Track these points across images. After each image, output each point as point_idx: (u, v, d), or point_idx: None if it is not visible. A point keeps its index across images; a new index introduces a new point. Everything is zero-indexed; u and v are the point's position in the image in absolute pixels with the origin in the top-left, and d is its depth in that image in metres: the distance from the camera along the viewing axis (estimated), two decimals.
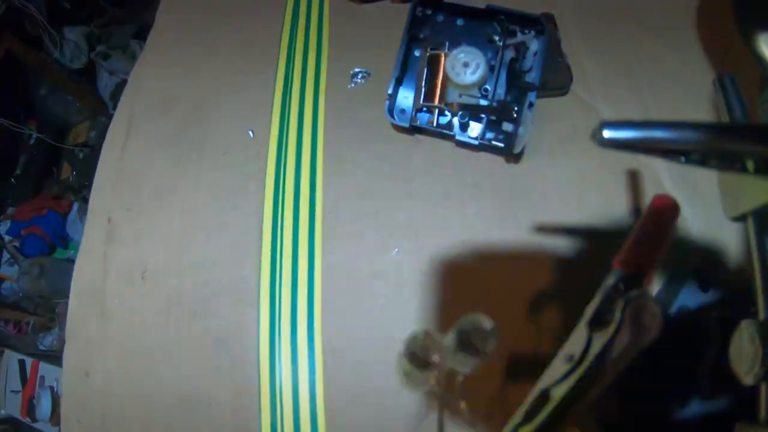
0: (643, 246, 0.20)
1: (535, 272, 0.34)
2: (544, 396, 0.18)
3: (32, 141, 1.59)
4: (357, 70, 0.44)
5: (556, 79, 0.39)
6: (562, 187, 0.37)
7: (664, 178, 0.36)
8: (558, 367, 0.18)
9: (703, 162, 0.18)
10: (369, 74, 0.44)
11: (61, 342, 1.28)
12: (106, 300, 0.40)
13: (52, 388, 1.11)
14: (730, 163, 0.20)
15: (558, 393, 0.17)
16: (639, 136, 0.16)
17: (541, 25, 0.36)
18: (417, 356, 0.19)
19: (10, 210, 1.46)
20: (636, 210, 0.36)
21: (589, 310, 0.19)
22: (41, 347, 1.25)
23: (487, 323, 0.19)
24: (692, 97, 0.39)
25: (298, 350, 0.35)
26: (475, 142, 0.36)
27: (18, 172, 1.57)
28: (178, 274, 0.39)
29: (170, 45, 0.53)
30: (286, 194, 0.40)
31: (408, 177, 0.38)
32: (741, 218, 0.27)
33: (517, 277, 0.34)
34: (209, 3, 0.55)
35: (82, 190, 1.61)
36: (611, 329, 0.17)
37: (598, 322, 0.18)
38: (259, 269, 0.37)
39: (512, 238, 0.35)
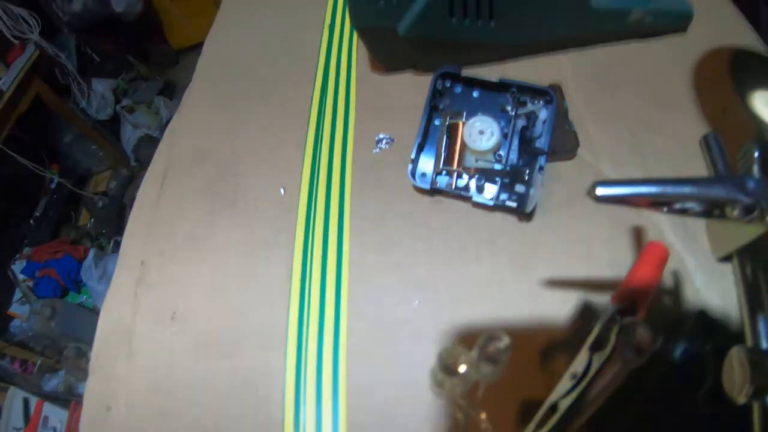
0: (635, 284, 0.25)
1: (547, 323, 0.38)
2: (553, 408, 0.22)
3: (53, 185, 1.69)
4: (382, 136, 0.51)
5: (564, 145, 0.45)
6: (571, 242, 0.41)
7: (666, 232, 0.41)
8: (564, 384, 0.22)
9: (683, 211, 0.23)
10: (393, 140, 0.50)
11: (67, 385, 1.30)
12: (133, 337, 0.44)
13: (54, 429, 1.12)
14: (707, 210, 0.24)
15: (563, 405, 0.21)
16: (626, 193, 0.21)
17: (549, 95, 0.42)
18: (448, 366, 0.24)
19: (26, 250, 1.53)
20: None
21: (591, 337, 0.23)
22: (46, 389, 1.27)
23: (505, 337, 0.23)
24: (690, 155, 0.44)
25: (322, 392, 0.38)
26: (491, 203, 0.41)
27: (37, 213, 1.66)
28: (207, 317, 0.43)
29: (206, 104, 0.60)
30: (314, 248, 0.45)
31: (428, 234, 0.43)
32: (727, 258, 0.31)
33: (529, 327, 0.38)
34: (244, 69, 0.63)
35: (98, 237, 1.69)
36: (608, 350, 0.21)
37: (597, 347, 0.22)
38: (288, 316, 0.41)
39: (526, 290, 0.39)
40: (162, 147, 0.58)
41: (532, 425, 0.24)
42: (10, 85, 1.36)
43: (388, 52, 0.55)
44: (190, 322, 0.44)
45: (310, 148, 0.51)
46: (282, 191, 0.49)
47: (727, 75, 0.52)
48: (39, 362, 1.33)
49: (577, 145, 0.45)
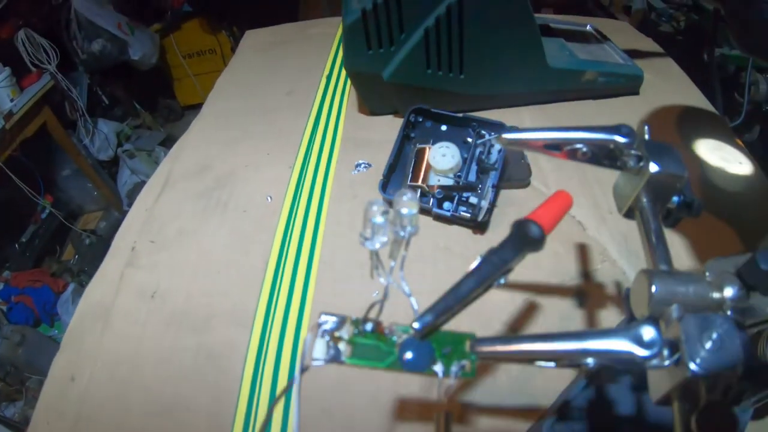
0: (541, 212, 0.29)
1: (492, 317, 0.43)
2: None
3: (44, 215, 1.73)
4: (361, 161, 0.58)
5: (519, 174, 0.52)
6: None
7: (610, 250, 0.48)
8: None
9: (573, 153, 0.29)
10: (370, 165, 0.58)
11: (23, 416, 1.26)
12: (111, 314, 0.48)
13: None
14: (595, 154, 0.30)
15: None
16: (526, 137, 0.26)
17: (505, 128, 0.50)
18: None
19: (6, 273, 1.54)
20: (584, 272, 0.46)
21: None
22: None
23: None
24: None
25: (280, 368, 0.42)
26: (448, 213, 0.48)
27: (24, 239, 1.68)
28: (184, 297, 0.48)
29: (212, 127, 0.69)
30: (290, 245, 0.51)
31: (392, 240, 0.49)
32: (629, 214, 0.36)
33: (477, 319, 0.43)
34: (248, 102, 0.72)
35: (80, 274, 1.71)
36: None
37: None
38: (258, 298, 0.46)
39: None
40: (166, 160, 0.65)
41: None
42: (21, 108, 1.45)
43: (374, 96, 0.64)
44: (168, 301, 0.48)
45: (298, 167, 0.59)
46: (269, 199, 0.56)
47: (674, 127, 0.62)
48: None
49: (529, 174, 0.53)
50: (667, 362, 0.22)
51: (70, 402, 0.43)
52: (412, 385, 0.40)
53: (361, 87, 0.63)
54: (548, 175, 0.55)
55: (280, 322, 0.45)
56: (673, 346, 0.23)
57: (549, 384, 0.40)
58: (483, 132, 0.52)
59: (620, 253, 0.48)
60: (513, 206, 0.52)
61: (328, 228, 0.52)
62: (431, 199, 0.50)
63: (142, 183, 1.92)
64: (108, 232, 1.85)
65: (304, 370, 0.21)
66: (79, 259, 1.80)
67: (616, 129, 0.31)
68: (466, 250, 0.48)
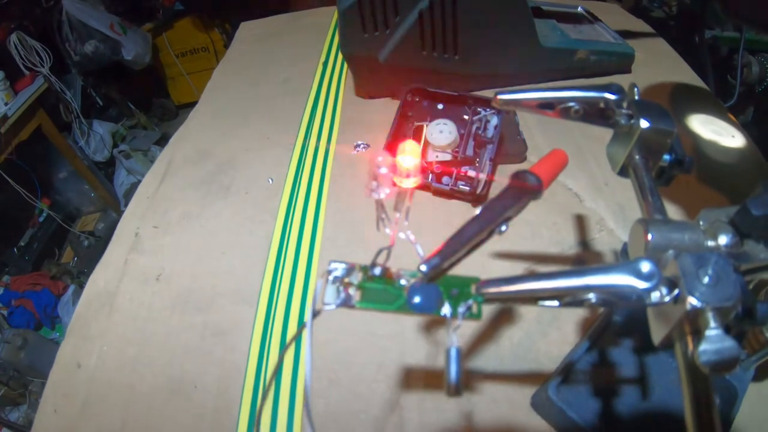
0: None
1: None
2: None
3: (42, 218, 1.73)
4: (360, 142, 0.59)
5: (515, 149, 0.53)
6: (518, 225, 0.48)
7: (607, 219, 0.49)
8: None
9: (566, 111, 0.30)
10: (368, 145, 0.59)
11: (27, 420, 1.27)
12: (116, 298, 0.48)
13: None
14: (587, 112, 0.31)
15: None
16: (519, 98, 0.27)
17: (499, 91, 0.51)
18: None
19: (5, 278, 1.54)
20: (582, 242, 0.47)
21: None
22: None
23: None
24: None
25: (286, 341, 0.43)
26: (447, 188, 0.49)
27: (22, 243, 1.68)
28: (190, 279, 0.48)
29: (210, 116, 0.69)
30: (293, 223, 0.51)
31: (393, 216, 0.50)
32: (623, 172, 0.37)
33: None
34: (246, 92, 0.73)
35: (80, 276, 1.71)
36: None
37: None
38: (263, 276, 0.47)
39: (477, 261, 0.45)
40: (166, 150, 0.66)
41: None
42: (15, 111, 1.45)
43: (371, 79, 0.65)
44: (173, 283, 0.49)
45: (298, 149, 0.60)
46: (270, 181, 0.56)
47: (666, 103, 0.63)
48: (2, 393, 1.31)
49: (525, 149, 0.53)
50: (667, 298, 0.23)
51: (77, 387, 0.43)
52: (418, 354, 0.41)
53: (358, 70, 0.64)
54: (544, 150, 0.55)
55: (284, 298, 0.45)
56: (672, 284, 0.24)
57: (552, 349, 0.41)
58: (479, 109, 0.52)
59: (617, 223, 0.49)
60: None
61: (329, 206, 0.52)
62: (430, 175, 0.51)
63: (139, 183, 1.90)
64: (106, 234, 1.85)
65: (315, 314, 0.22)
66: (78, 261, 1.80)
67: (606, 87, 0.32)
68: None
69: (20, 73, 1.58)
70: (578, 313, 0.43)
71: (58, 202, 1.82)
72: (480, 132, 0.50)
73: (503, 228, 0.26)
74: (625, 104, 0.33)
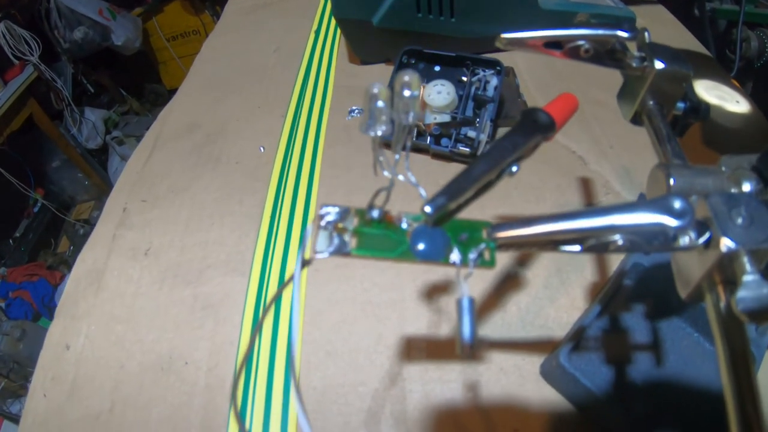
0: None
1: None
2: None
3: (36, 208, 1.69)
4: (354, 107, 0.56)
5: (515, 111, 0.50)
6: (522, 189, 0.45)
7: (612, 182, 0.46)
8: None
9: (576, 51, 0.26)
10: (363, 111, 0.55)
11: None
12: (104, 276, 0.45)
13: None
14: (597, 52, 0.28)
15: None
16: (525, 36, 0.24)
17: (500, 66, 0.48)
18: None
19: (2, 270, 1.50)
20: (588, 205, 0.44)
21: None
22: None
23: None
24: (633, 129, 0.49)
25: (281, 312, 0.40)
26: (446, 150, 0.46)
27: (17, 234, 1.65)
28: (180, 250, 0.45)
29: (199, 88, 0.65)
30: (286, 189, 0.48)
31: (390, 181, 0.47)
32: (636, 120, 0.34)
33: None
34: (236, 64, 0.69)
35: None
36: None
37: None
38: (255, 245, 0.44)
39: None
40: (155, 125, 0.62)
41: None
42: (5, 101, 1.41)
43: (364, 43, 0.61)
44: (161, 256, 0.45)
45: (290, 117, 0.56)
46: (262, 149, 0.53)
47: None
48: (2, 385, 1.28)
49: None
50: (701, 240, 0.20)
51: (65, 369, 0.40)
52: (419, 323, 0.38)
53: (351, 35, 0.60)
54: None
55: (278, 266, 0.42)
56: (702, 227, 0.21)
57: (561, 314, 0.38)
58: (478, 70, 0.49)
59: (623, 185, 0.46)
60: None
61: (324, 171, 0.49)
62: (428, 137, 0.47)
63: None
64: None
65: (305, 263, 0.18)
66: (74, 250, 1.76)
67: (618, 25, 0.29)
68: None
69: (9, 63, 1.53)
70: (587, 278, 0.40)
71: (52, 191, 1.78)
72: (479, 92, 0.47)
73: (514, 169, 0.23)
74: (636, 45, 0.30)
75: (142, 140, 0.60)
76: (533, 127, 0.23)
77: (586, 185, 0.46)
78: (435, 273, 0.41)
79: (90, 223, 1.81)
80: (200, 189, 0.50)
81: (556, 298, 0.39)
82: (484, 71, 0.48)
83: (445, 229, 0.20)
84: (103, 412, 0.38)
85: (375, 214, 0.19)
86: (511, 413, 0.33)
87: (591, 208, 0.20)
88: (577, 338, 0.34)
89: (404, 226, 0.20)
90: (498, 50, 0.61)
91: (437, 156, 0.48)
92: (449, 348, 0.37)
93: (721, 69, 0.64)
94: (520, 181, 0.46)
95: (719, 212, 0.21)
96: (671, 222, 0.19)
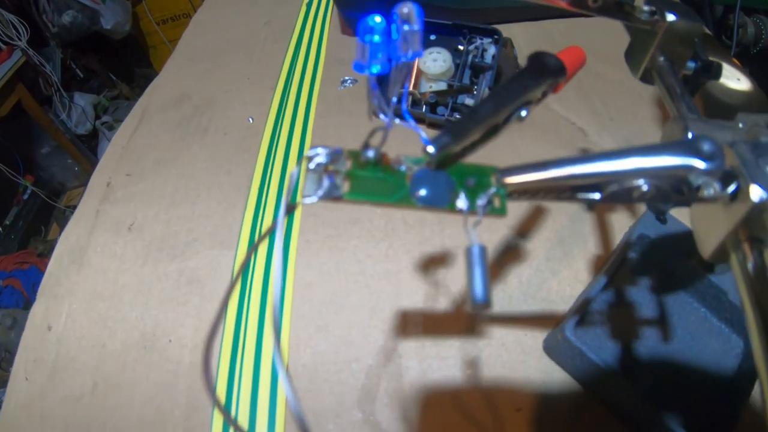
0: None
1: (496, 220, 0.38)
2: None
3: (26, 195, 1.64)
4: (347, 78, 0.53)
5: None
6: (522, 159, 0.42)
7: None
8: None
9: None
10: (356, 81, 0.52)
11: None
12: (86, 253, 0.42)
13: None
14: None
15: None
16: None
17: (497, 34, 0.45)
18: None
19: None
20: None
21: None
22: None
23: None
24: (634, 101, 0.47)
25: (269, 286, 0.37)
26: (443, 118, 0.43)
27: (7, 222, 1.60)
28: (165, 224, 0.42)
29: (187, 62, 0.62)
30: (276, 159, 0.45)
31: (385, 149, 0.44)
32: (646, 77, 0.32)
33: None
34: (225, 38, 0.65)
35: None
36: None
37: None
38: (242, 217, 0.41)
39: None
40: (142, 99, 0.59)
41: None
42: None
43: (357, 14, 0.58)
44: (146, 230, 0.42)
45: (281, 88, 0.54)
46: (251, 120, 0.50)
47: None
48: None
49: None
50: (729, 190, 0.18)
51: (47, 350, 0.38)
52: (416, 296, 0.36)
53: (344, 5, 0.57)
54: None
55: (266, 240, 0.40)
56: (727, 178, 0.18)
57: (564, 287, 0.36)
58: (475, 37, 0.46)
59: None
60: None
61: (315, 142, 0.46)
62: (424, 106, 0.45)
63: None
64: None
65: (290, 208, 0.16)
66: None
67: None
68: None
69: None
70: (590, 250, 0.37)
71: (41, 178, 1.73)
72: (477, 60, 0.44)
73: (523, 113, 0.20)
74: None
75: (128, 115, 0.56)
76: (543, 70, 0.21)
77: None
78: (431, 244, 0.38)
79: None
80: (187, 161, 0.47)
81: (559, 270, 0.36)
82: (481, 39, 0.46)
83: (450, 173, 0.17)
84: (85, 393, 0.35)
85: (370, 153, 0.17)
86: (512, 391, 0.31)
87: (614, 150, 0.17)
88: (583, 311, 0.32)
89: (403, 169, 0.17)
90: (495, 23, 0.59)
91: (433, 125, 0.45)
92: (448, 322, 0.34)
93: (721, 47, 0.62)
94: (520, 153, 0.43)
95: (747, 160, 0.19)
96: (700, 165, 0.17)
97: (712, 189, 0.19)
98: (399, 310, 0.35)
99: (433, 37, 0.49)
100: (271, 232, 0.15)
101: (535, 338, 0.33)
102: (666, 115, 0.47)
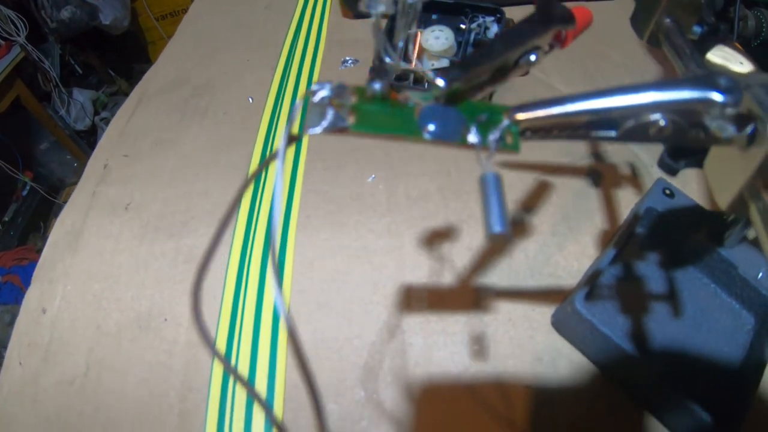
0: None
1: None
2: None
3: (25, 191, 1.63)
4: (348, 58, 0.52)
5: None
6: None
7: None
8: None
9: None
10: (357, 61, 0.51)
11: None
12: (83, 234, 0.41)
13: None
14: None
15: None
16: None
17: (500, 13, 0.44)
18: None
19: None
20: (594, 153, 0.40)
21: None
22: None
23: None
24: (635, 79, 0.46)
25: (267, 265, 0.36)
26: None
27: (6, 218, 1.59)
28: (162, 203, 0.41)
29: (187, 46, 0.61)
30: (276, 136, 0.44)
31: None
32: (653, 40, 0.32)
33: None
34: (225, 23, 0.64)
35: None
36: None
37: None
38: (242, 195, 0.40)
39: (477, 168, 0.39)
40: (141, 83, 0.58)
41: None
42: None
43: None
44: (143, 210, 0.41)
45: (281, 69, 0.53)
46: (250, 100, 0.49)
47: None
48: None
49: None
50: (749, 128, 0.17)
51: (41, 333, 0.36)
52: (419, 271, 0.35)
53: None
54: (546, 66, 0.49)
55: (265, 216, 0.39)
56: (743, 121, 0.18)
57: (570, 262, 0.35)
58: (477, 16, 0.45)
59: None
60: (511, 92, 0.46)
61: None
62: (426, 84, 0.44)
63: None
64: None
65: (292, 140, 0.15)
66: None
67: None
68: None
69: None
70: (596, 225, 0.36)
71: (40, 174, 1.71)
72: (480, 37, 0.43)
73: (532, 57, 0.19)
74: None
75: (128, 97, 0.55)
76: (551, 16, 0.20)
77: None
78: (435, 219, 0.37)
79: None
80: (186, 141, 0.46)
81: (565, 245, 0.35)
82: (483, 18, 0.45)
83: (460, 108, 0.16)
84: (78, 376, 0.34)
85: (377, 86, 0.16)
86: (521, 367, 0.30)
87: (630, 84, 0.16)
88: (592, 284, 0.31)
89: (411, 104, 0.16)
90: (496, 2, 0.58)
91: None
92: (453, 298, 0.33)
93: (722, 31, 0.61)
94: (522, 123, 0.42)
95: (764, 101, 0.18)
96: (718, 97, 0.16)
97: (728, 132, 0.18)
98: (402, 285, 0.34)
99: (434, 17, 0.48)
100: (273, 160, 0.14)
101: (543, 313, 0.32)
102: None
